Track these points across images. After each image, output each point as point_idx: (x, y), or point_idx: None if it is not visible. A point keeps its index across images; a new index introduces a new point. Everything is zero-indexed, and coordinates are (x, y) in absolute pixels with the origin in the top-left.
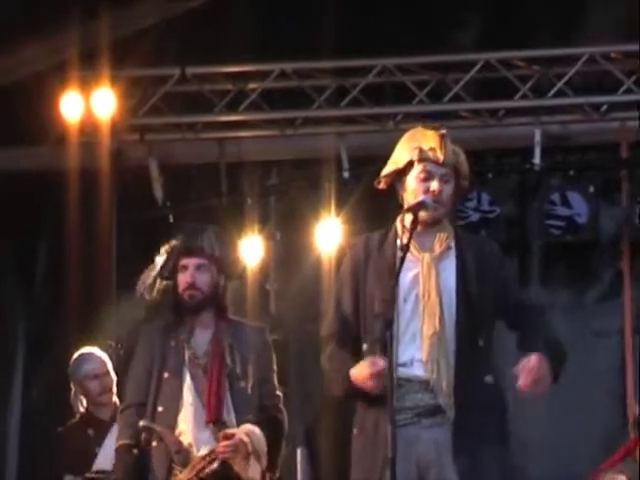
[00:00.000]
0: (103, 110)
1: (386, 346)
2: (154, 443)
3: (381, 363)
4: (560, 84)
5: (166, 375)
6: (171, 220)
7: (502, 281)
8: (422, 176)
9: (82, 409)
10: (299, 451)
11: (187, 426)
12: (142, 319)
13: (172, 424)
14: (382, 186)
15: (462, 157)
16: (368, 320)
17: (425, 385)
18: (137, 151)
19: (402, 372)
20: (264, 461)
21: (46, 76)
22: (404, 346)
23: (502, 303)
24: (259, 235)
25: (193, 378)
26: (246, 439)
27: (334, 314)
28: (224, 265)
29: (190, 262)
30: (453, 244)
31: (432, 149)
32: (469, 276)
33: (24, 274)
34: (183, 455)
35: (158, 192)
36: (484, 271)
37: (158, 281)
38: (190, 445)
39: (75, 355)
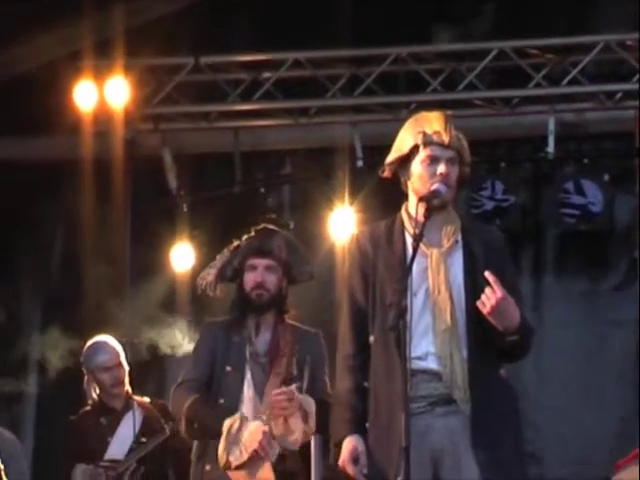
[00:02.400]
0: (117, 99)
1: (399, 336)
2: None
3: (359, 449)
4: (574, 72)
5: (228, 369)
6: (185, 209)
7: (503, 278)
8: (428, 160)
9: (95, 396)
10: (313, 438)
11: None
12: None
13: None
14: (387, 174)
15: (465, 143)
16: (378, 311)
17: (439, 376)
18: (151, 140)
19: (417, 364)
20: (312, 424)
21: (60, 65)
22: (417, 340)
23: None
24: (273, 224)
25: (253, 375)
26: (297, 394)
27: (350, 325)
28: (290, 269)
29: (260, 262)
30: (460, 237)
31: (436, 132)
32: (477, 270)
33: (40, 262)
34: None
35: (172, 181)
36: (491, 264)
37: (220, 279)
38: None
39: (89, 343)
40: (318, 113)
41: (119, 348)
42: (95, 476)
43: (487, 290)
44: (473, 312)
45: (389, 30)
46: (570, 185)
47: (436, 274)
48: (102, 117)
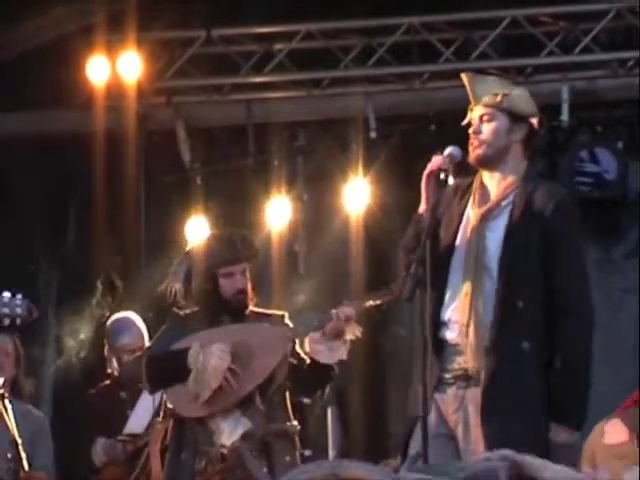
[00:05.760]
0: (129, 73)
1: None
2: None
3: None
4: (587, 40)
5: None
6: (199, 182)
7: (550, 256)
8: (470, 124)
9: (116, 365)
10: (330, 410)
11: None
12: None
13: None
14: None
15: (506, 97)
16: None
17: (461, 349)
18: (164, 114)
19: (442, 334)
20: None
21: (73, 40)
22: (445, 305)
23: (545, 277)
24: (287, 196)
25: None
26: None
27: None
28: (251, 260)
29: (236, 269)
30: (510, 199)
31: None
32: (515, 239)
33: (55, 236)
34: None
35: (185, 154)
36: (533, 237)
37: (188, 286)
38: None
39: (114, 318)
40: (331, 84)
41: (144, 328)
42: (115, 450)
43: None
44: (503, 282)
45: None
46: (584, 153)
47: (471, 236)
48: (115, 91)
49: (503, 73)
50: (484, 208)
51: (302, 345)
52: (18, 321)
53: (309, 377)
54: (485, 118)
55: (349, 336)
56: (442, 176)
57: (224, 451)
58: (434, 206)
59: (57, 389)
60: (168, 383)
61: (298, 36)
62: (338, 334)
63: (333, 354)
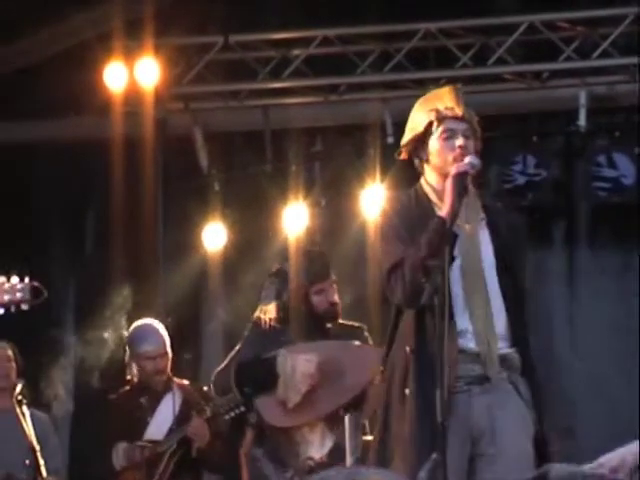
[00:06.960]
0: (147, 79)
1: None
2: None
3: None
4: (605, 45)
5: None
6: (216, 188)
7: (522, 257)
8: (445, 135)
9: (135, 372)
10: (347, 418)
11: None
12: None
13: None
14: (403, 156)
15: (476, 118)
16: None
17: (476, 357)
18: (181, 120)
19: (459, 343)
20: None
21: (90, 46)
22: (459, 314)
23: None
24: (304, 202)
25: None
26: None
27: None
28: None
29: (326, 285)
30: (483, 214)
31: (449, 107)
32: (505, 248)
33: (73, 242)
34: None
35: (203, 160)
36: (514, 244)
37: (282, 309)
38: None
39: (136, 325)
40: (348, 90)
41: (165, 335)
42: (136, 455)
43: None
44: (506, 291)
45: (418, 5)
46: (602, 158)
47: (469, 251)
48: (133, 97)
49: (520, 78)
50: (476, 222)
51: None
52: (24, 306)
53: None
54: (467, 134)
55: None
56: (462, 184)
57: (311, 464)
58: (456, 212)
59: (77, 395)
60: (257, 389)
61: (315, 42)
62: None
63: None
